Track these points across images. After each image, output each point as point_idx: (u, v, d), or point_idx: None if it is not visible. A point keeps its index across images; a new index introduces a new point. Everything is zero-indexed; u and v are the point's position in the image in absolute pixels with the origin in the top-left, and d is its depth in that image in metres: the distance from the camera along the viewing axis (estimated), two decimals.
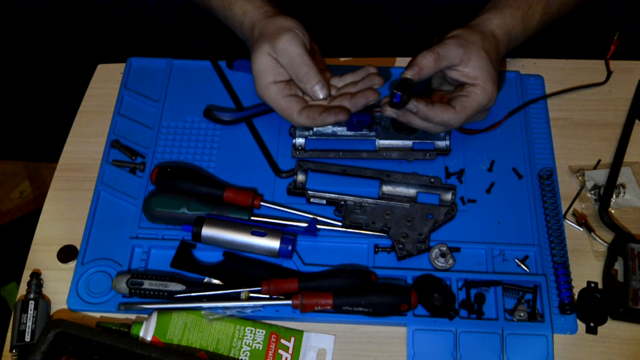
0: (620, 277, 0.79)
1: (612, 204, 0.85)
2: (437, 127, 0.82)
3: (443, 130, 0.84)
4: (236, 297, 0.76)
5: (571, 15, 0.98)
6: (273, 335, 0.75)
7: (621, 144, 0.90)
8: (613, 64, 0.97)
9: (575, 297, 0.78)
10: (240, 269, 0.79)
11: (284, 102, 0.81)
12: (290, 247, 0.79)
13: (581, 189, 0.87)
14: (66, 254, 0.83)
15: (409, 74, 0.79)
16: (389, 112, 0.81)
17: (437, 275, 0.79)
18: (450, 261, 0.80)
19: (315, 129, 0.89)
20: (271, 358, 0.74)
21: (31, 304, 0.76)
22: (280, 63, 0.81)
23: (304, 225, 0.82)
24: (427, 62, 0.79)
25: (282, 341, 0.75)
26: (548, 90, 0.95)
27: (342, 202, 0.84)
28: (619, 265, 0.80)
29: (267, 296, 0.76)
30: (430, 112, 0.79)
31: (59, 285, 0.80)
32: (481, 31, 0.83)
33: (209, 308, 0.75)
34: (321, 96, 0.81)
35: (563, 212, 0.84)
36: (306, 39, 0.82)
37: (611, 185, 0.86)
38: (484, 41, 0.82)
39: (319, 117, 0.80)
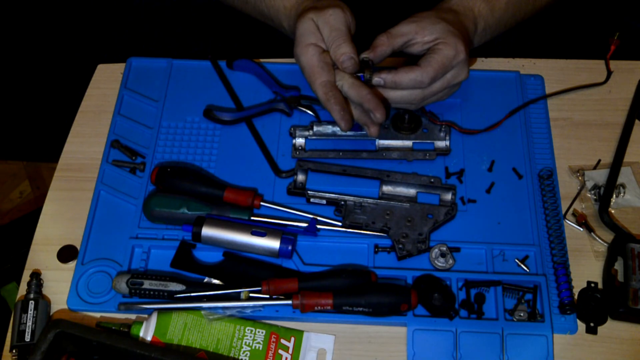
0: (620, 277, 0.79)
1: (612, 204, 0.85)
2: (414, 94, 0.82)
3: (422, 97, 0.83)
4: (236, 297, 0.76)
5: (571, 15, 0.98)
6: (273, 335, 0.75)
7: (621, 144, 0.90)
8: (613, 64, 0.97)
9: (575, 297, 0.78)
10: (240, 269, 0.79)
11: (318, 65, 0.81)
12: (290, 247, 0.79)
13: (581, 189, 0.87)
14: (66, 254, 0.83)
15: (365, 54, 0.82)
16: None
17: (437, 275, 0.79)
18: (450, 261, 0.80)
19: (315, 129, 0.89)
20: (271, 358, 0.74)
21: (31, 304, 0.76)
22: (322, 34, 0.82)
23: (304, 225, 0.82)
24: (380, 41, 0.81)
25: (282, 341, 0.75)
26: (548, 90, 0.95)
27: (342, 202, 0.84)
28: (619, 265, 0.80)
29: (267, 296, 0.76)
30: (396, 76, 0.80)
31: (59, 285, 0.80)
32: (436, 9, 0.86)
33: (209, 308, 0.75)
34: (347, 67, 0.81)
35: (563, 212, 0.84)
36: (351, 20, 0.84)
37: (611, 185, 0.86)
38: (439, 12, 0.84)
39: (331, 103, 0.80)
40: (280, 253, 0.79)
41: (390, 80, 0.80)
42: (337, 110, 0.80)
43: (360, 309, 0.74)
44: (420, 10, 0.85)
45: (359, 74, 0.81)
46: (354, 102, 0.82)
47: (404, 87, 0.81)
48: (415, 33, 0.81)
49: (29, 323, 0.75)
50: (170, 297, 0.76)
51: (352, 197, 0.84)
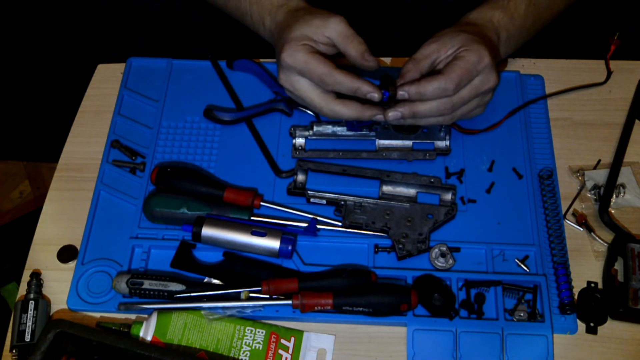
0: (620, 277, 0.79)
1: (612, 204, 0.85)
2: (442, 104, 0.79)
3: (452, 107, 0.80)
4: (236, 297, 0.76)
5: (571, 15, 0.98)
6: (273, 335, 0.75)
7: (621, 144, 0.90)
8: (613, 64, 0.97)
9: (575, 297, 0.78)
10: (240, 269, 0.79)
11: (321, 60, 0.79)
12: (290, 247, 0.79)
13: (581, 189, 0.87)
14: (66, 254, 0.83)
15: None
16: (392, 115, 0.80)
17: (437, 275, 0.79)
18: (450, 261, 0.80)
19: (315, 129, 0.89)
20: (271, 358, 0.74)
21: (31, 304, 0.76)
22: (327, 36, 0.81)
23: (304, 225, 0.82)
24: (407, 69, 0.80)
25: (282, 341, 0.75)
26: (548, 90, 0.95)
27: (342, 202, 0.84)
28: (619, 265, 0.80)
29: (267, 296, 0.76)
30: (419, 87, 0.78)
31: (59, 285, 0.80)
32: (456, 24, 0.85)
33: (209, 308, 0.75)
34: (373, 64, 0.81)
35: (563, 212, 0.84)
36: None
37: (611, 185, 0.86)
38: (459, 27, 0.83)
39: (357, 80, 0.78)
40: (280, 253, 0.79)
41: (414, 92, 0.78)
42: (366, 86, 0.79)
43: (360, 309, 0.74)
44: (435, 19, 0.84)
45: (383, 91, 0.79)
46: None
47: (428, 96, 0.79)
48: (438, 51, 0.80)
49: (29, 323, 0.75)
50: (170, 297, 0.76)
51: (352, 197, 0.84)
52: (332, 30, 0.81)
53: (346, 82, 0.78)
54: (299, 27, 0.81)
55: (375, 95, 0.78)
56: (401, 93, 0.79)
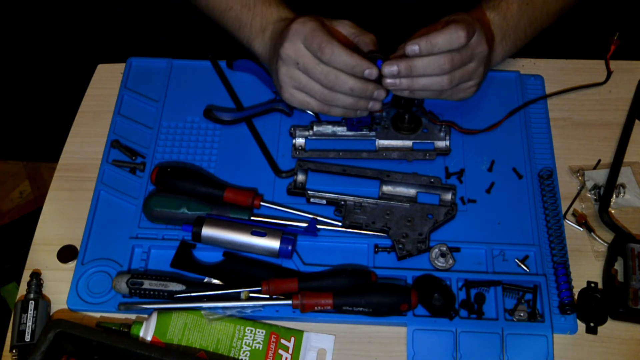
0: (620, 277, 0.79)
1: (612, 204, 0.85)
2: (441, 59, 0.76)
3: (449, 60, 0.77)
4: (236, 297, 0.76)
5: (571, 15, 0.98)
6: (273, 335, 0.75)
7: (621, 144, 0.90)
8: (613, 64, 0.97)
9: (575, 297, 0.78)
10: (240, 269, 0.79)
11: (325, 32, 0.78)
12: (290, 247, 0.79)
13: (581, 189, 0.87)
14: (66, 254, 0.83)
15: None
16: (388, 69, 0.77)
17: (437, 275, 0.79)
18: (450, 261, 0.80)
19: (315, 129, 0.89)
20: (271, 358, 0.74)
21: (31, 304, 0.76)
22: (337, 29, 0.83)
23: (304, 225, 0.82)
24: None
25: (282, 341, 0.75)
26: (548, 90, 0.95)
27: (342, 202, 0.84)
28: (619, 265, 0.80)
29: (267, 296, 0.76)
30: (429, 38, 0.74)
31: (59, 285, 0.80)
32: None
33: (209, 308, 0.75)
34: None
35: (563, 212, 0.84)
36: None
37: (611, 185, 0.86)
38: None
39: (356, 56, 0.76)
40: (280, 253, 0.79)
41: (424, 44, 0.74)
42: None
43: (360, 309, 0.74)
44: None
45: (378, 61, 0.77)
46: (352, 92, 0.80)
47: (440, 46, 0.75)
48: (428, 30, 0.78)
49: (29, 323, 0.75)
50: (170, 297, 0.76)
51: (352, 197, 0.84)
52: (343, 25, 0.83)
53: (343, 55, 0.76)
54: (307, 19, 0.80)
55: (374, 72, 0.77)
56: (412, 48, 0.75)
